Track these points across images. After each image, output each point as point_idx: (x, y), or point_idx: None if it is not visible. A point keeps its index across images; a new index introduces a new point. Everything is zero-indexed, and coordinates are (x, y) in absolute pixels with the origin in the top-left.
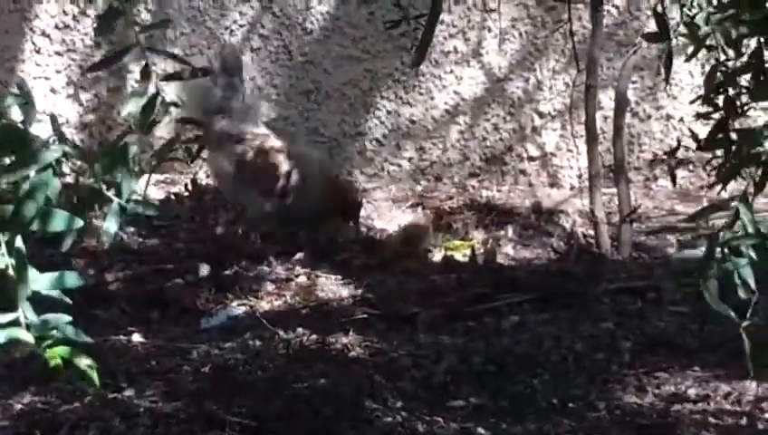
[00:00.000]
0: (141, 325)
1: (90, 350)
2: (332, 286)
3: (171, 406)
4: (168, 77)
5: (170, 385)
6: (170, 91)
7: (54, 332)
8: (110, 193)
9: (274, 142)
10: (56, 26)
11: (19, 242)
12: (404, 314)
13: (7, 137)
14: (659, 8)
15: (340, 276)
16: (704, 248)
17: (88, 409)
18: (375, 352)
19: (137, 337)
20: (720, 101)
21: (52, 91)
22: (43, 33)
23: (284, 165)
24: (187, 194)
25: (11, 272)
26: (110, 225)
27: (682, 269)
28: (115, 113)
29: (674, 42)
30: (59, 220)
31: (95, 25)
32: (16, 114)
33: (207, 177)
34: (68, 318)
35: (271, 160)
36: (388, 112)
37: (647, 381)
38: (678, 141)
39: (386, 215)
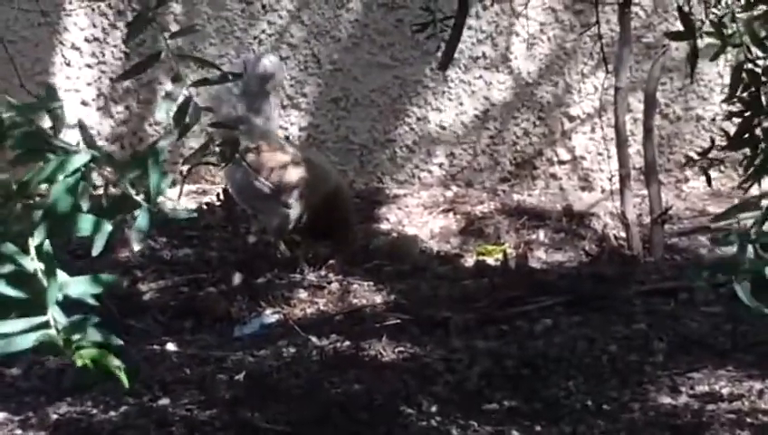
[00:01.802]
0: (175, 334)
1: (119, 352)
2: (365, 293)
3: (206, 414)
4: (198, 82)
5: (205, 393)
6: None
7: (83, 334)
8: (140, 197)
9: (287, 154)
10: (86, 39)
11: (47, 246)
12: (437, 319)
13: (36, 143)
14: (685, 7)
15: (372, 283)
16: (736, 247)
17: (124, 418)
18: (409, 357)
19: (171, 346)
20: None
21: (83, 103)
22: (73, 46)
23: (294, 177)
24: (218, 204)
25: (40, 275)
26: (140, 228)
27: (715, 269)
28: (146, 125)
29: (701, 42)
30: (85, 224)
31: (125, 33)
32: (45, 121)
33: None
34: (96, 319)
35: (283, 172)
36: (418, 119)
37: (681, 381)
38: (712, 141)
39: (417, 221)
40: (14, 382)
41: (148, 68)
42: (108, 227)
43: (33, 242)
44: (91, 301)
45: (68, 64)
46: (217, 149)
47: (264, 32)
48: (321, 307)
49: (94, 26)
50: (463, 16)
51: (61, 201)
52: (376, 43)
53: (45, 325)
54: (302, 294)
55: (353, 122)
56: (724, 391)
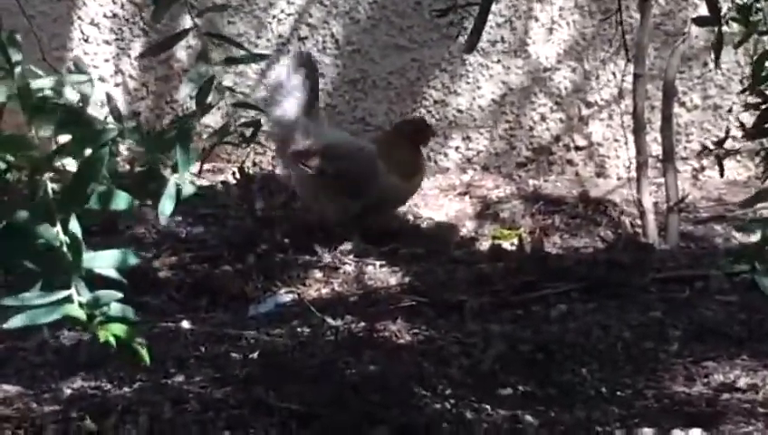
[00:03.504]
0: (190, 312)
1: (140, 328)
2: (380, 275)
3: (220, 392)
4: (227, 61)
5: (219, 371)
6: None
7: (106, 309)
8: (167, 174)
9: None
10: (105, 15)
11: (74, 220)
12: (452, 302)
13: (65, 116)
14: None
15: (387, 265)
16: (757, 236)
17: (138, 394)
18: (423, 339)
19: (186, 324)
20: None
21: (101, 79)
22: (92, 22)
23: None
24: (234, 182)
25: (65, 250)
26: (166, 205)
27: (736, 257)
28: (163, 102)
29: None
30: (113, 199)
31: (152, 9)
32: (72, 95)
33: (254, 165)
34: (119, 295)
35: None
36: (435, 102)
37: (695, 370)
38: (727, 131)
39: (433, 204)
40: (27, 356)
41: (174, 45)
42: (134, 202)
43: (58, 216)
44: (116, 276)
45: (86, 40)
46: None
47: (283, 11)
48: (336, 288)
49: (114, 2)
50: (489, 1)
51: (88, 175)
52: (395, 24)
53: (69, 300)
54: (317, 275)
55: (370, 104)
56: (739, 381)
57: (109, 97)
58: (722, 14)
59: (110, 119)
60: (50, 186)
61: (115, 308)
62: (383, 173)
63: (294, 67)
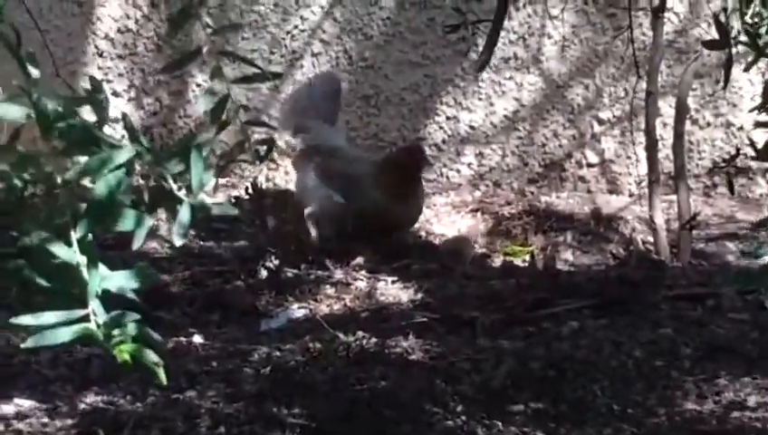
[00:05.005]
0: (202, 327)
1: (158, 348)
2: (392, 291)
3: (232, 407)
4: (240, 80)
5: (231, 386)
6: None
7: (123, 329)
8: (181, 193)
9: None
10: (119, 30)
11: (90, 239)
12: (463, 319)
13: (81, 136)
14: (722, 17)
15: (399, 281)
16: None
17: (150, 409)
18: (435, 355)
19: (198, 339)
20: None
21: (114, 94)
22: (106, 37)
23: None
24: (247, 197)
25: (82, 268)
26: (182, 223)
27: (743, 277)
28: (176, 117)
29: (734, 49)
30: (128, 219)
31: (167, 26)
32: (88, 114)
33: (268, 180)
34: (137, 316)
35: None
36: (448, 118)
37: (706, 388)
38: (737, 150)
39: (445, 220)
40: (41, 371)
41: (189, 63)
42: (149, 221)
43: (75, 235)
44: (131, 295)
45: (100, 55)
46: (253, 147)
47: (296, 27)
48: (348, 304)
49: (128, 17)
50: (501, 19)
51: (105, 195)
52: (408, 41)
53: (85, 319)
54: (329, 290)
55: (383, 120)
56: (750, 400)
57: (124, 116)
58: (732, 36)
59: (126, 139)
60: (66, 205)
61: (132, 328)
62: (370, 186)
63: (318, 85)
